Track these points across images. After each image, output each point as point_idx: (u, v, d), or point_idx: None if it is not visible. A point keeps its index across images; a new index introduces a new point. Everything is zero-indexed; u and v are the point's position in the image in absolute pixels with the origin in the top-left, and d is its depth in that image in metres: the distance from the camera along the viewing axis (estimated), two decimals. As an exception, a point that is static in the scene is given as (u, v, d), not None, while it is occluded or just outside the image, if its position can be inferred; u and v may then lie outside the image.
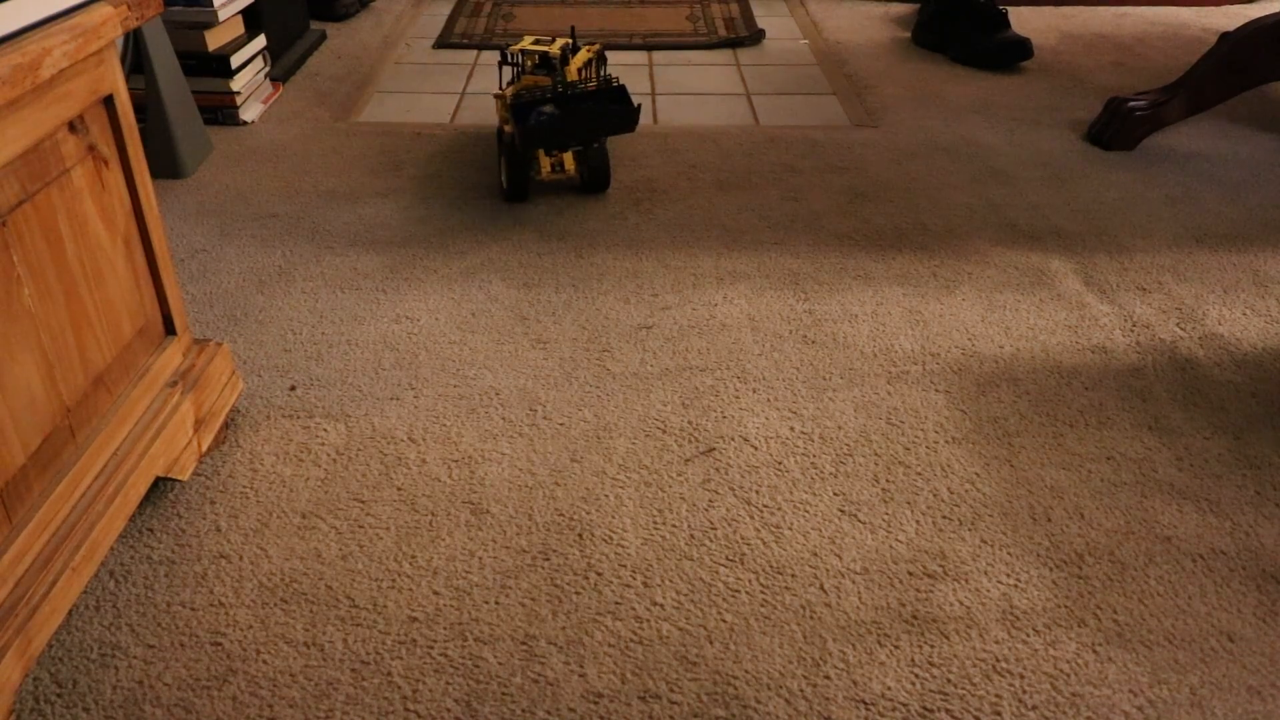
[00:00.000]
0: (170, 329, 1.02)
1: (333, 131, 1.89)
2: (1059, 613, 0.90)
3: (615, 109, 1.53)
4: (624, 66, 2.27)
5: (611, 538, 0.97)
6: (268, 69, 2.04)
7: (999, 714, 0.81)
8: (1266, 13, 1.85)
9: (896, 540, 0.97)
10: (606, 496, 1.02)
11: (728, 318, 1.31)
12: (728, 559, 0.95)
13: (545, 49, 1.59)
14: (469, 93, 2.10)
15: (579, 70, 1.60)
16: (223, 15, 1.82)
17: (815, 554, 0.95)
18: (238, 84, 1.88)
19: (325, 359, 1.23)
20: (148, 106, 1.65)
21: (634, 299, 1.35)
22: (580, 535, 0.97)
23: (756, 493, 1.03)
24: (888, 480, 1.04)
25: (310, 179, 1.70)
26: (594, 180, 1.64)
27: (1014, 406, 1.15)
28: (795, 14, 2.68)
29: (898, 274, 1.42)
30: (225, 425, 1.10)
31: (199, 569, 0.93)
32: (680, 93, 2.11)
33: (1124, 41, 2.44)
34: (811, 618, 0.89)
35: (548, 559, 0.95)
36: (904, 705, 0.81)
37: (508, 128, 1.58)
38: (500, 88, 1.68)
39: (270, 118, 1.95)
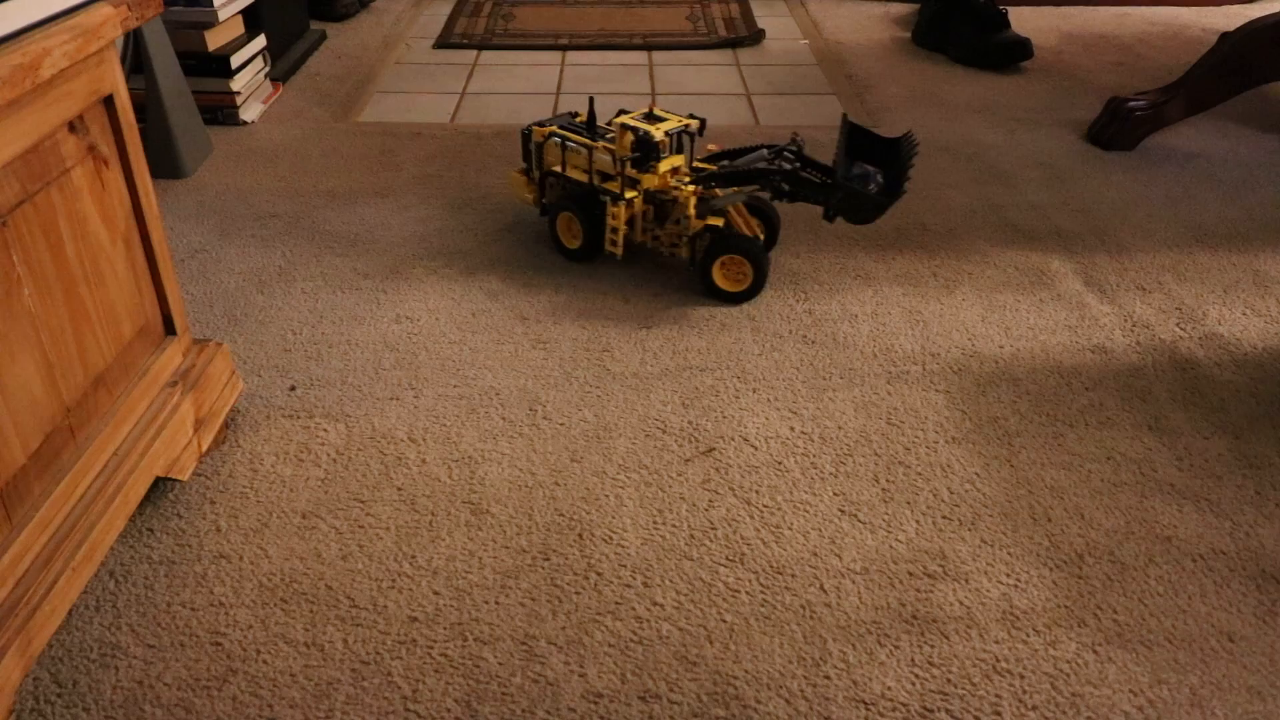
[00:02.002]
0: (170, 329, 1.02)
1: (333, 131, 1.89)
2: (1059, 613, 0.89)
3: (909, 159, 1.32)
4: (624, 66, 2.27)
5: (611, 538, 0.97)
6: (268, 69, 2.04)
7: (999, 714, 0.81)
8: (1266, 13, 1.85)
9: (896, 540, 0.97)
10: (606, 496, 1.02)
11: (728, 318, 1.31)
12: (728, 559, 0.95)
13: (683, 122, 1.36)
14: (469, 93, 2.11)
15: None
16: (223, 15, 1.82)
17: (815, 554, 0.95)
18: (238, 84, 1.89)
19: (325, 359, 1.23)
20: (148, 106, 1.65)
21: (634, 299, 1.35)
22: (580, 535, 0.97)
23: (756, 493, 1.03)
24: (888, 480, 1.04)
25: (310, 179, 1.70)
26: (771, 240, 1.45)
27: (1014, 406, 1.15)
28: (795, 14, 2.68)
29: (898, 274, 1.42)
30: (225, 425, 1.10)
31: (199, 569, 0.93)
32: (680, 93, 2.11)
33: (1124, 41, 2.44)
34: (811, 618, 0.89)
35: (548, 559, 0.95)
36: (904, 705, 0.81)
37: (713, 221, 1.33)
38: (623, 179, 1.34)
39: (270, 118, 1.95)
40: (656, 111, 1.38)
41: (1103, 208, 1.62)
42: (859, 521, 0.99)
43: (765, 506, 1.01)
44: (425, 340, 1.27)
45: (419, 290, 1.37)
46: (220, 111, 1.89)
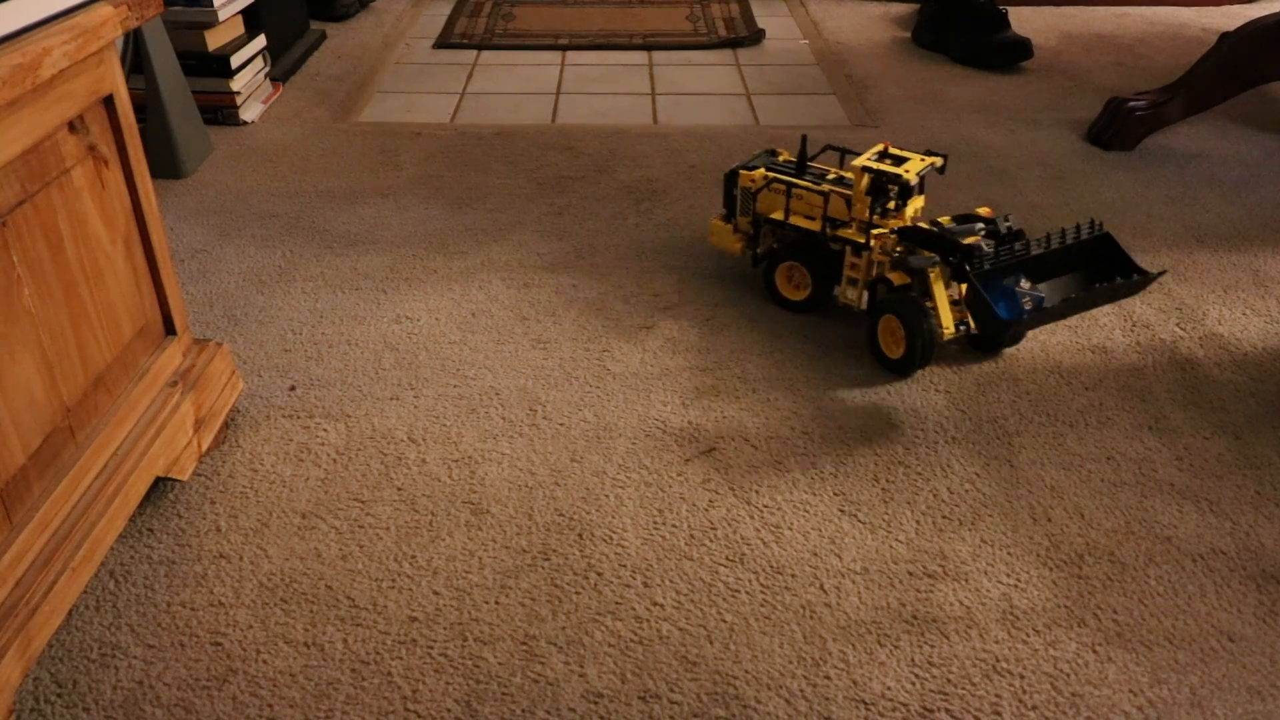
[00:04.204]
0: (170, 329, 1.02)
1: (333, 131, 1.89)
2: (1059, 613, 0.90)
3: (1120, 283, 1.08)
4: (624, 66, 2.27)
5: (611, 538, 0.97)
6: (268, 69, 2.04)
7: (999, 714, 0.81)
8: (1266, 13, 1.85)
9: (896, 540, 0.97)
10: (606, 496, 1.02)
11: (728, 318, 1.31)
12: (728, 559, 0.95)
13: (927, 161, 1.22)
14: (469, 93, 2.11)
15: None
16: (223, 15, 1.82)
17: (815, 554, 0.95)
18: (238, 84, 1.89)
19: (325, 359, 1.23)
20: (148, 106, 1.65)
21: (634, 299, 1.35)
22: (580, 535, 0.97)
23: (756, 493, 1.03)
24: (888, 480, 1.04)
25: (310, 179, 1.70)
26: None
27: (1014, 406, 1.15)
28: (795, 14, 2.68)
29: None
30: (225, 425, 1.10)
31: (199, 569, 0.93)
32: (680, 93, 2.11)
33: (1124, 41, 2.44)
34: (811, 618, 0.89)
35: (548, 559, 0.95)
36: (904, 705, 0.81)
37: (893, 276, 1.19)
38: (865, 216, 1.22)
39: (270, 118, 1.95)
40: (893, 150, 1.25)
41: (1103, 208, 1.62)
42: (859, 521, 0.99)
43: (765, 506, 1.01)
44: (425, 340, 1.27)
45: (419, 290, 1.37)
46: (220, 111, 1.89)
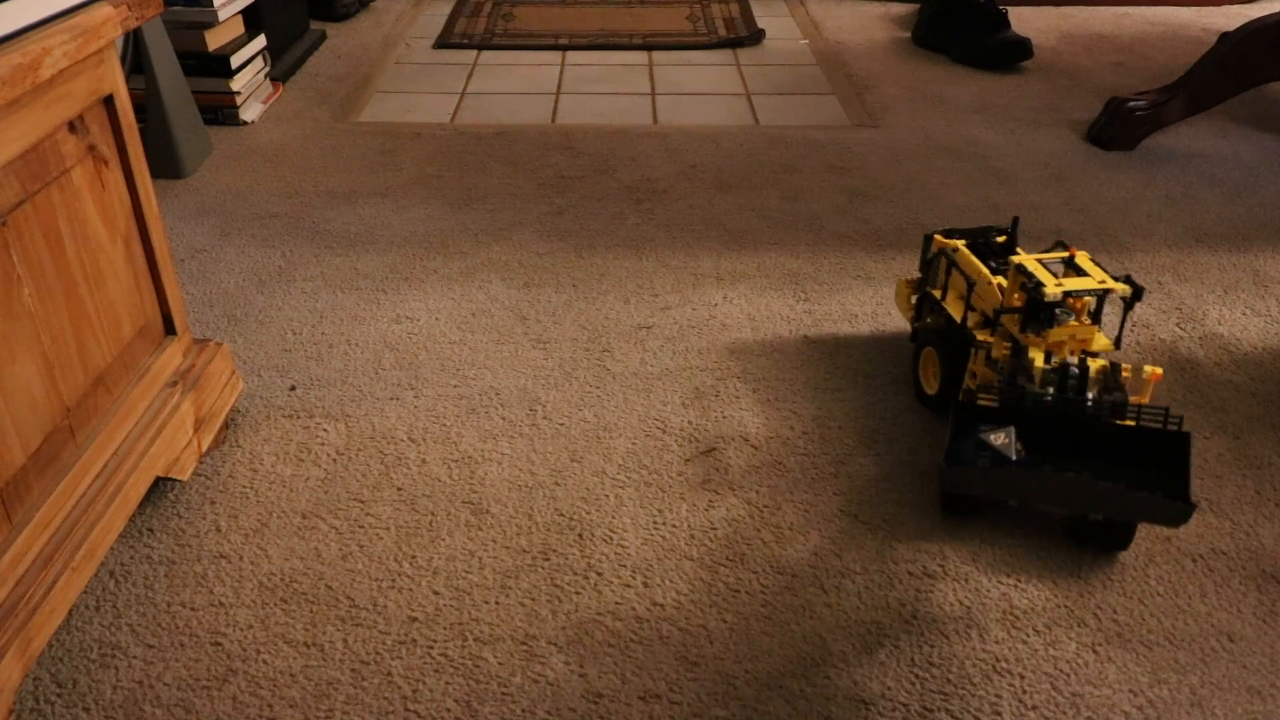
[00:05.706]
0: (170, 329, 1.02)
1: (333, 131, 1.89)
2: (1059, 613, 0.89)
3: (1138, 496, 0.88)
4: (624, 66, 2.27)
5: (611, 538, 0.97)
6: (268, 69, 2.04)
7: (999, 714, 0.81)
8: (1266, 13, 1.85)
9: (896, 540, 0.97)
10: (606, 496, 1.02)
11: (728, 318, 1.31)
12: (728, 559, 0.95)
13: (1105, 284, 1.01)
14: (469, 93, 2.11)
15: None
16: (223, 15, 1.82)
17: (815, 554, 0.95)
18: (238, 84, 1.88)
19: (325, 359, 1.23)
20: (148, 106, 1.65)
21: (634, 299, 1.35)
22: (580, 535, 0.97)
23: (756, 493, 1.03)
24: (888, 480, 1.04)
25: (310, 179, 1.70)
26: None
27: (1014, 406, 1.15)
28: (795, 14, 2.68)
29: (898, 274, 1.42)
30: (225, 425, 1.10)
31: (199, 569, 0.93)
32: (680, 93, 2.11)
33: (1124, 41, 2.44)
34: (811, 617, 0.89)
35: (548, 559, 0.95)
36: (904, 705, 0.81)
37: (982, 395, 0.99)
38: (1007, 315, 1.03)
39: (270, 118, 1.95)
40: (1079, 258, 1.05)
41: (1103, 208, 1.62)
42: (859, 521, 0.99)
43: (765, 506, 1.01)
44: (425, 340, 1.27)
45: (419, 290, 1.37)
46: (220, 111, 1.89)
